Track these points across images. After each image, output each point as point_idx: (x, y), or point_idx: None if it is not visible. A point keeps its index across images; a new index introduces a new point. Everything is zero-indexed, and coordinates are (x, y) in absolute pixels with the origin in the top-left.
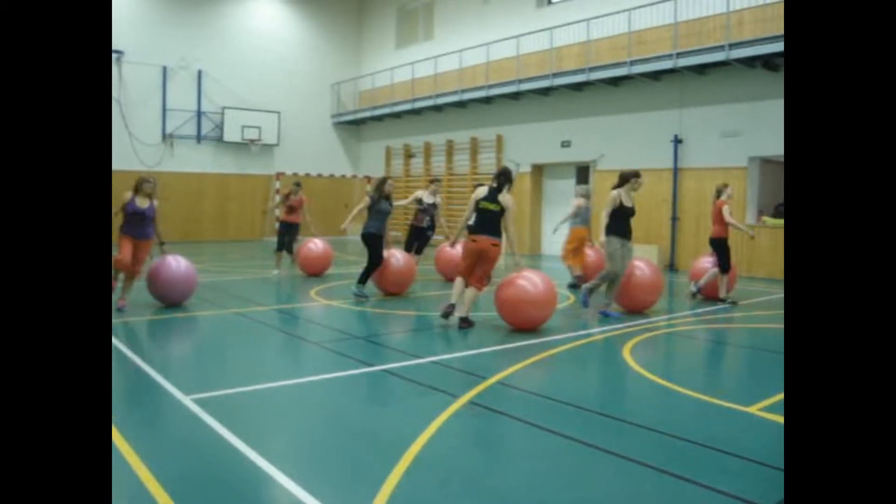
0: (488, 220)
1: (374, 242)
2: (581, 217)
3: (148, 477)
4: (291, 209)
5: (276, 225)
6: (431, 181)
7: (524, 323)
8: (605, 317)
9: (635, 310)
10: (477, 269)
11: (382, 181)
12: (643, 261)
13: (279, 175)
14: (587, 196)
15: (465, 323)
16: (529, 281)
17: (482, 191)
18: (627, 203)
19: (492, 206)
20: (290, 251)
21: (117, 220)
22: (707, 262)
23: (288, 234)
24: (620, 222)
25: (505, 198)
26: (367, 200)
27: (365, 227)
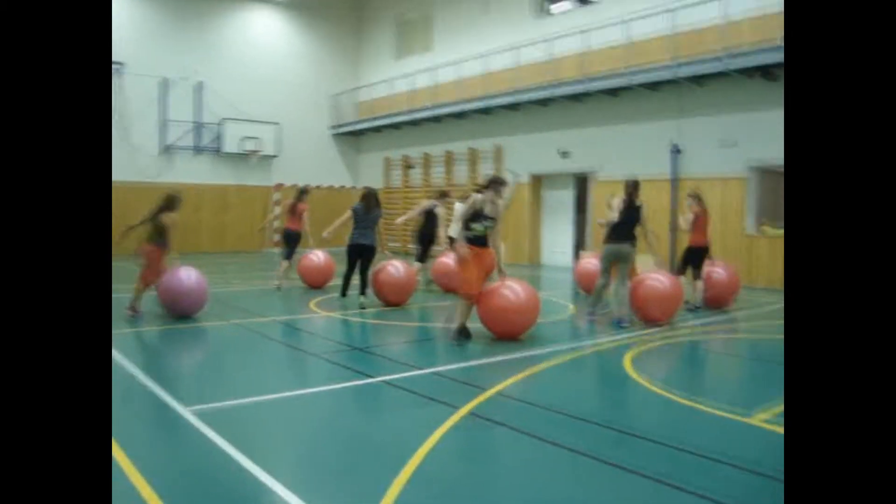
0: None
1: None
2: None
3: (146, 489)
4: (296, 215)
5: (278, 235)
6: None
7: (508, 331)
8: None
9: (652, 321)
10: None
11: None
12: (663, 274)
13: (278, 186)
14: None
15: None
16: (511, 290)
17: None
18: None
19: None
20: (288, 258)
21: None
22: (710, 271)
23: (291, 242)
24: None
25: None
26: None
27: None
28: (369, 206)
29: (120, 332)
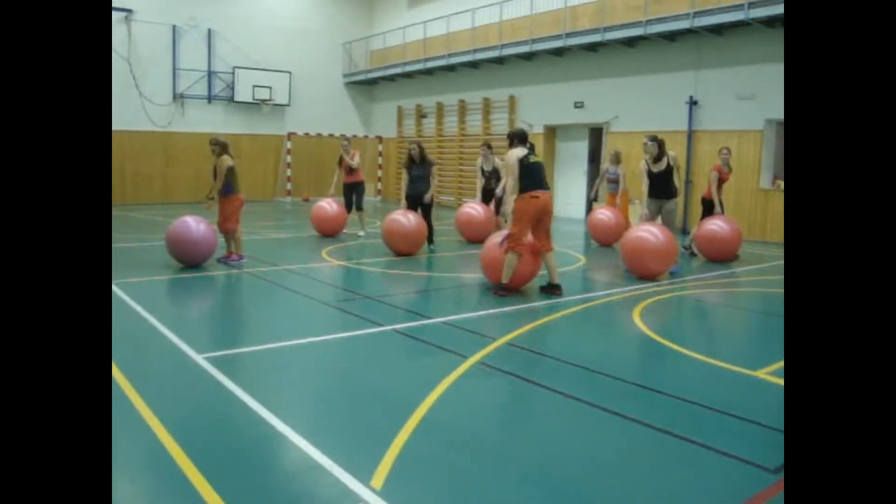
0: (543, 175)
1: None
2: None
3: (163, 432)
4: (351, 169)
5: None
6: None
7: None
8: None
9: (646, 277)
10: (540, 229)
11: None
12: (658, 227)
13: (290, 135)
14: None
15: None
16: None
17: (519, 151)
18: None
19: (540, 159)
20: (360, 209)
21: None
22: (713, 224)
23: (356, 193)
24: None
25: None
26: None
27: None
28: None
29: (133, 280)
